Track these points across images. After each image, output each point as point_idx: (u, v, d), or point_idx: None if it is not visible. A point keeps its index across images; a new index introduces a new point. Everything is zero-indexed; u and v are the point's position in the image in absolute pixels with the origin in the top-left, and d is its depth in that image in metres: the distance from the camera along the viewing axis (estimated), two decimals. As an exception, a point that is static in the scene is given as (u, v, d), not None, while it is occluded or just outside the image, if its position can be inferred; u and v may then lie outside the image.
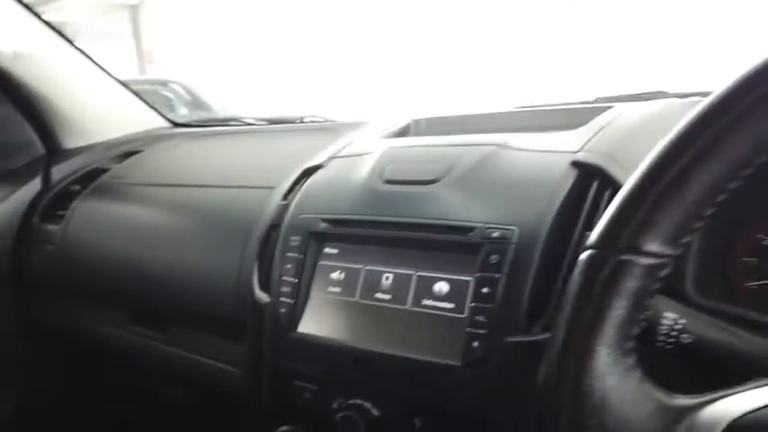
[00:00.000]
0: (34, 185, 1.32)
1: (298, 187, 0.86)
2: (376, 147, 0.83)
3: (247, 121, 1.48)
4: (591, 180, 0.64)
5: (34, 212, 1.28)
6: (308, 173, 0.87)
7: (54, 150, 1.40)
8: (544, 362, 0.39)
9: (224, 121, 1.53)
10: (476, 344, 0.60)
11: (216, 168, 1.15)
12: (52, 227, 1.22)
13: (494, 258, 0.61)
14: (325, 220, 0.75)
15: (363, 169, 0.78)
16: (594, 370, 0.35)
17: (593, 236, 0.39)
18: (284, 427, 0.69)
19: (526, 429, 0.56)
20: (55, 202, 1.27)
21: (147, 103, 1.55)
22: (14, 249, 1.26)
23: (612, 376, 0.35)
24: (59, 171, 1.34)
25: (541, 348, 0.57)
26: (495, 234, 0.62)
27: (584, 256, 0.38)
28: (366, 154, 0.82)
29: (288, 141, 1.20)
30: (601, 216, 0.40)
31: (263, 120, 1.48)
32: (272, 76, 7.78)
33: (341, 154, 0.88)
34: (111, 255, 1.10)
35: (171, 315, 1.02)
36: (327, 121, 1.36)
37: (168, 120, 1.57)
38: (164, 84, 5.25)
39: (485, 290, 0.60)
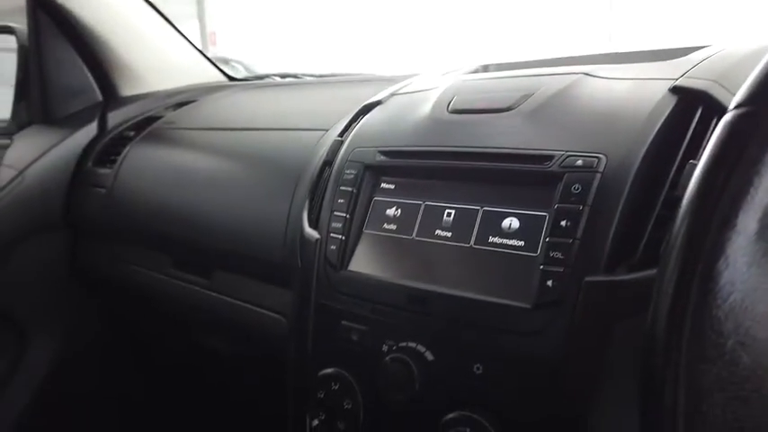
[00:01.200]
0: (90, 131, 1.31)
1: (354, 124, 0.80)
2: (442, 81, 0.76)
3: (304, 75, 1.44)
4: (694, 106, 0.55)
5: (88, 157, 1.27)
6: (366, 110, 0.81)
7: (111, 97, 1.39)
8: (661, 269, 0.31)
9: (281, 76, 1.49)
10: (550, 283, 0.52)
11: (270, 114, 1.11)
12: (105, 171, 1.21)
13: (576, 188, 0.53)
14: (382, 153, 0.69)
15: (427, 102, 0.71)
16: (733, 258, 0.27)
17: (741, 94, 0.31)
18: (329, 369, 0.63)
19: (602, 379, 0.49)
20: (109, 148, 1.26)
21: (206, 57, 1.53)
22: (68, 193, 1.26)
23: (758, 268, 0.27)
24: (115, 118, 1.33)
25: (627, 290, 0.49)
26: (579, 162, 0.54)
27: (729, 116, 0.30)
28: (431, 89, 0.75)
29: (344, 90, 1.15)
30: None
31: (319, 75, 1.43)
32: (330, 59, 7.78)
33: (402, 91, 0.81)
34: (160, 199, 1.07)
35: (216, 260, 0.98)
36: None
37: (225, 74, 1.54)
38: (225, 62, 5.33)
39: (564, 223, 0.53)
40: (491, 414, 0.53)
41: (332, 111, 0.94)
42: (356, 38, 8.38)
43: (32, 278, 1.23)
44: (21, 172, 1.23)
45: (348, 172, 0.70)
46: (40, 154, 1.25)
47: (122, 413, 1.36)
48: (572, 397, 0.50)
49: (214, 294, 0.99)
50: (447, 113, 0.67)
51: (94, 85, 1.39)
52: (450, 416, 0.54)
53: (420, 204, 0.64)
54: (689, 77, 0.58)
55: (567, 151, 0.56)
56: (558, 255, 0.52)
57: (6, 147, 1.28)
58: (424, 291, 0.60)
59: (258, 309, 0.91)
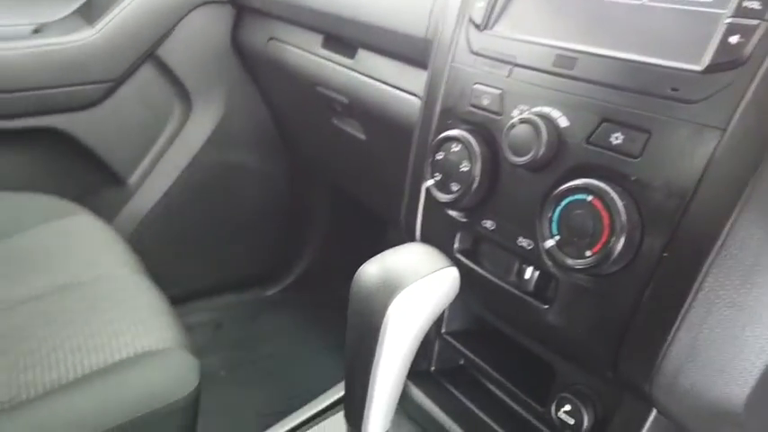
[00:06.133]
0: None
1: None
2: None
3: None
4: None
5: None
6: None
7: None
8: None
9: None
10: (734, 39, 0.42)
11: None
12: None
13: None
14: None
15: None
16: None
17: None
18: (452, 131, 0.59)
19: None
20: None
21: None
22: None
23: None
24: None
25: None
26: None
27: None
28: None
29: None
30: None
31: None
32: None
33: None
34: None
35: (362, 37, 0.95)
36: None
37: None
38: None
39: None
40: (619, 186, 0.46)
41: None
42: None
43: (198, 48, 1.30)
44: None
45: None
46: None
47: (264, 189, 1.48)
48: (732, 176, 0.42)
49: (356, 74, 0.97)
50: None
51: None
52: (569, 185, 0.48)
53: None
54: None
55: None
56: (755, 5, 0.42)
57: None
58: (575, 50, 0.52)
59: (394, 89, 0.89)
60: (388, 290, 0.47)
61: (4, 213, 1.01)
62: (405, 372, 0.50)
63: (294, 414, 0.63)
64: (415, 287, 0.47)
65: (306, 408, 0.63)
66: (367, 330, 0.48)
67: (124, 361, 0.68)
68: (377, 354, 0.48)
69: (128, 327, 0.74)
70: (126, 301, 0.81)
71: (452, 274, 0.49)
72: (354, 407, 0.51)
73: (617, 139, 0.48)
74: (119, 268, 0.91)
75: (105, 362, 0.68)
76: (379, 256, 0.50)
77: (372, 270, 0.49)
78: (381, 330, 0.47)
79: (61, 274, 0.85)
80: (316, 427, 0.61)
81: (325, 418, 0.61)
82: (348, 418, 0.52)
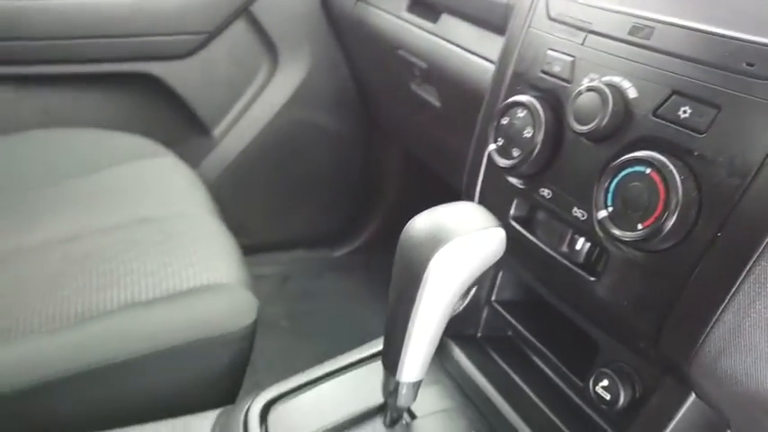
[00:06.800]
0: None
1: None
2: None
3: None
4: None
5: None
6: None
7: None
8: None
9: None
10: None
11: None
12: None
13: None
14: None
15: None
16: None
17: None
18: (519, 97, 0.59)
19: None
20: None
21: None
22: None
23: None
24: None
25: None
26: None
27: None
28: None
29: None
30: None
31: None
32: None
33: None
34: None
35: (446, 3, 0.95)
36: None
37: None
38: None
39: None
40: (680, 161, 0.45)
41: None
42: None
43: (289, 7, 1.34)
44: None
45: None
46: None
47: (340, 150, 1.51)
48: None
49: (437, 38, 0.98)
50: None
51: None
52: (630, 156, 0.47)
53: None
54: None
55: None
56: None
57: None
58: (652, 19, 0.50)
59: (472, 55, 0.89)
60: (433, 243, 0.48)
61: (98, 149, 1.09)
62: (442, 324, 0.51)
63: (338, 357, 0.66)
64: (459, 242, 0.48)
65: (349, 353, 0.66)
66: (409, 280, 0.49)
67: (192, 290, 0.74)
68: (416, 303, 0.49)
69: (198, 261, 0.79)
70: (199, 239, 0.87)
71: (499, 235, 0.50)
72: (392, 353, 0.53)
73: (685, 112, 0.46)
74: (196, 209, 0.96)
75: (175, 288, 0.73)
76: (430, 210, 0.51)
77: (420, 223, 0.50)
78: (423, 281, 0.49)
79: (143, 208, 0.92)
80: (356, 371, 0.64)
81: (366, 365, 0.64)
82: (385, 363, 0.54)
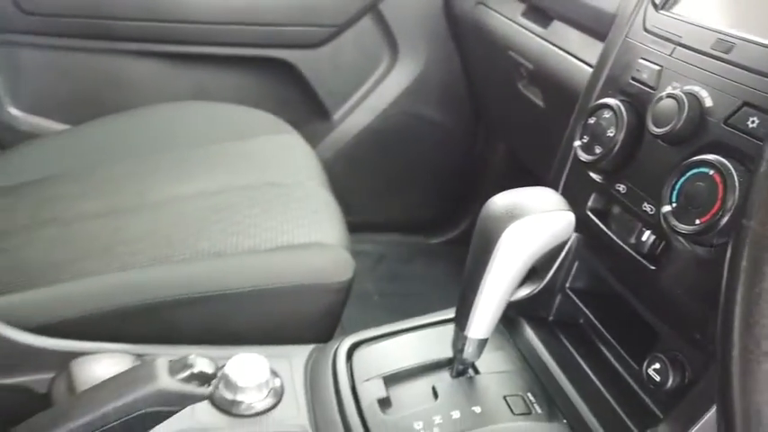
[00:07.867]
0: None
1: None
2: None
3: None
4: None
5: None
6: None
7: None
8: None
9: None
10: None
11: None
12: None
13: None
14: None
15: None
16: None
17: None
18: (610, 99, 0.65)
19: None
20: None
21: None
22: None
23: None
24: None
25: None
26: None
27: None
28: None
29: None
30: None
31: None
32: None
33: None
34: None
35: (559, 11, 1.01)
36: None
37: None
38: None
39: None
40: (743, 167, 0.49)
41: None
42: None
43: (414, 6, 1.44)
44: None
45: None
46: None
47: (446, 144, 1.59)
48: None
49: (546, 43, 1.04)
50: None
51: None
52: (698, 158, 0.52)
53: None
54: None
55: None
56: None
57: None
58: (734, 36, 0.55)
59: (576, 60, 0.94)
60: (507, 217, 0.56)
61: (239, 122, 1.26)
62: (509, 291, 0.59)
63: (418, 317, 0.75)
64: (530, 219, 0.55)
65: (428, 315, 0.75)
66: (485, 248, 0.57)
67: (302, 245, 0.86)
68: (488, 269, 0.57)
69: (310, 223, 0.92)
70: (312, 206, 0.99)
71: (567, 218, 0.57)
72: (463, 311, 0.61)
73: (753, 122, 0.50)
74: (312, 181, 1.09)
75: (289, 242, 0.86)
76: (509, 190, 0.59)
77: (500, 200, 0.58)
78: (495, 249, 0.56)
79: (270, 174, 1.06)
80: (431, 329, 0.72)
81: (441, 326, 0.72)
82: (457, 320, 0.62)
